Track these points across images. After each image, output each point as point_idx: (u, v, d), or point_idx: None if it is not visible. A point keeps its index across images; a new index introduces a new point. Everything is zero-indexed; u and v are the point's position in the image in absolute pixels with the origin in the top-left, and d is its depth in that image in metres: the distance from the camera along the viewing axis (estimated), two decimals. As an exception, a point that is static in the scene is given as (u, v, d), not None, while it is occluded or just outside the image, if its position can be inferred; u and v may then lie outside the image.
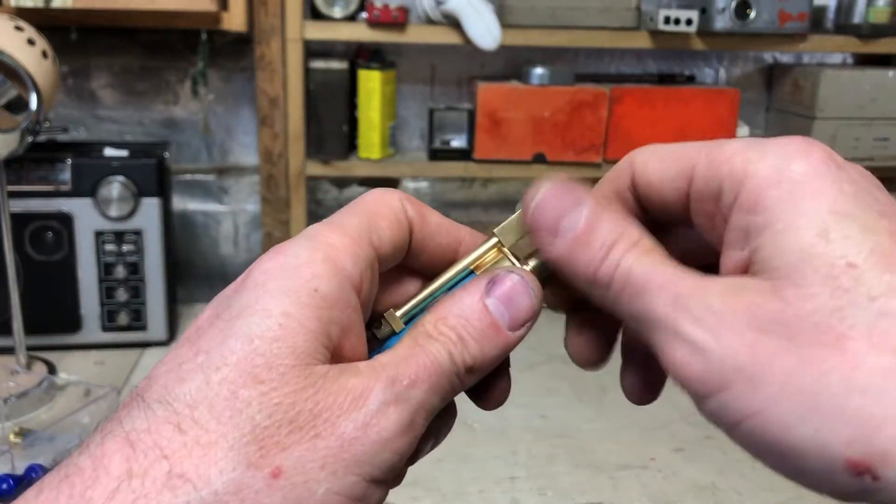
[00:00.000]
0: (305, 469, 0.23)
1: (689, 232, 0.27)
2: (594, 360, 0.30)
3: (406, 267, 0.30)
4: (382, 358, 0.25)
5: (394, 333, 0.28)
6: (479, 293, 0.27)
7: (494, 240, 0.28)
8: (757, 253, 0.22)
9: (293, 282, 0.24)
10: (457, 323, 0.26)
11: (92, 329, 1.08)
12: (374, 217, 0.27)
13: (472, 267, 0.29)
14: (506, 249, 0.28)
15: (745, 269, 0.23)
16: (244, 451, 0.22)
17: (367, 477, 0.24)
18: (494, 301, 0.26)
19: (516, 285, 0.27)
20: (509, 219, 0.28)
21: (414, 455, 0.26)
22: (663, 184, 0.26)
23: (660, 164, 0.26)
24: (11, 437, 0.74)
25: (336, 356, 0.25)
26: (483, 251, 0.29)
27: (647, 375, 0.29)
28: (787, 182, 0.22)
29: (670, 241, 0.27)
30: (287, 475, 0.22)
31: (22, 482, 0.54)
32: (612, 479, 0.82)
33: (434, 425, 0.27)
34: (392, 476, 0.25)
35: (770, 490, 0.81)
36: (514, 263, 0.28)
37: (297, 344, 0.23)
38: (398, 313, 0.28)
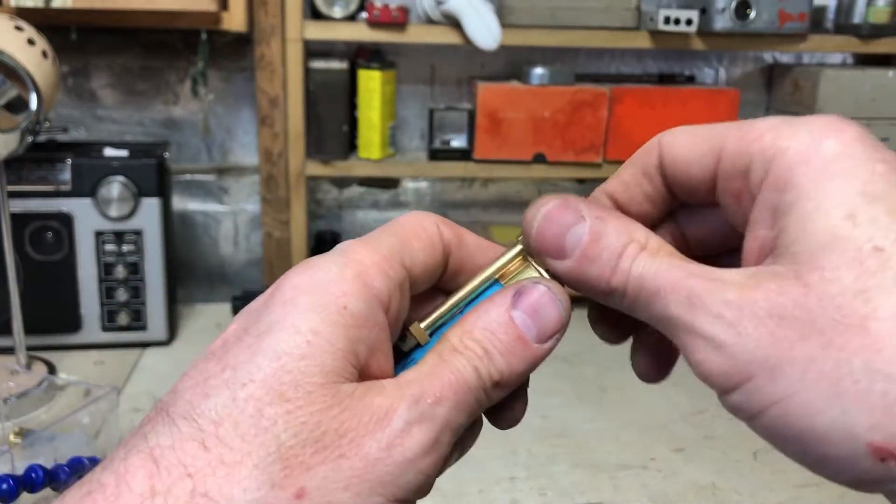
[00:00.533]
0: (329, 490, 0.22)
1: (714, 215, 0.26)
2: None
3: (443, 289, 0.29)
4: (408, 375, 0.25)
5: (419, 346, 0.28)
6: (506, 305, 0.26)
7: (518, 248, 0.28)
8: (783, 234, 0.22)
9: (323, 298, 0.24)
10: (482, 336, 0.26)
11: (92, 329, 1.08)
12: (407, 238, 0.27)
13: (496, 276, 0.28)
14: (530, 258, 0.28)
15: (770, 251, 0.23)
16: (269, 471, 0.22)
17: (392, 497, 0.23)
18: (521, 314, 0.26)
19: (543, 296, 0.26)
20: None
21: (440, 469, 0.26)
22: (691, 162, 0.25)
23: (689, 141, 0.26)
24: (11, 437, 0.74)
25: (363, 375, 0.25)
26: (507, 259, 0.28)
27: (657, 355, 0.29)
28: (819, 159, 0.22)
29: (694, 222, 0.27)
30: (311, 496, 0.22)
31: (22, 482, 0.54)
32: (612, 479, 0.82)
33: (460, 438, 0.26)
34: (417, 496, 0.24)
35: (770, 490, 0.81)
36: (540, 272, 0.27)
37: (325, 362, 0.23)
38: (423, 325, 0.28)
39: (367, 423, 0.23)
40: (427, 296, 0.29)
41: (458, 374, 0.25)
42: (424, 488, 0.24)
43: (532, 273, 0.28)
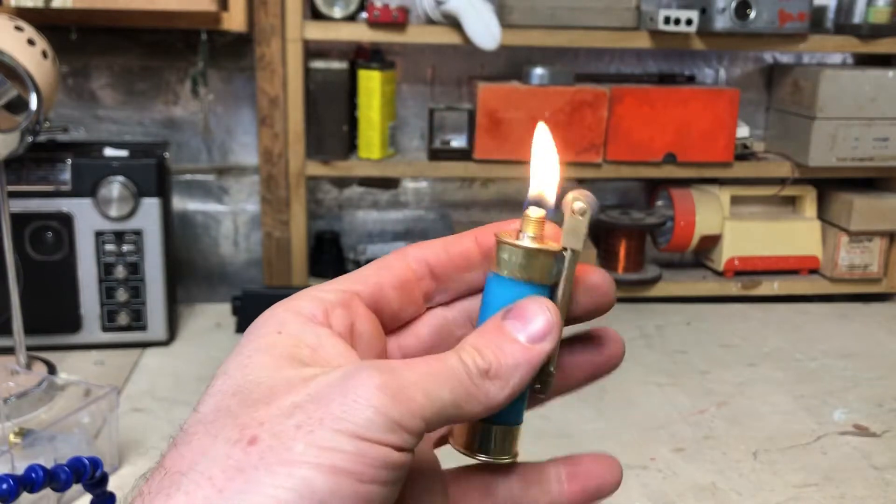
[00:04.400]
0: (279, 430, 0.24)
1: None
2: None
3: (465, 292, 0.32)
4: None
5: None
6: (497, 318, 0.28)
7: (570, 254, 0.29)
8: None
9: (262, 338, 0.28)
10: (473, 339, 0.28)
11: (92, 329, 1.08)
12: (361, 270, 0.31)
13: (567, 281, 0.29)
14: (503, 240, 0.29)
15: None
16: (227, 437, 0.24)
17: (350, 433, 0.24)
18: (509, 320, 0.28)
19: (530, 303, 0.28)
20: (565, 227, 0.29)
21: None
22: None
23: None
24: (11, 437, 0.74)
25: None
26: (569, 270, 0.29)
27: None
28: None
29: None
30: (263, 439, 0.24)
31: (22, 482, 0.54)
32: (612, 479, 0.82)
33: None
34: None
35: (770, 490, 0.81)
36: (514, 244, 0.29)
37: (266, 362, 0.26)
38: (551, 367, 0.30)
39: (317, 375, 0.25)
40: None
41: (440, 358, 0.27)
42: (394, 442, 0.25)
43: (505, 250, 0.29)
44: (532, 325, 0.28)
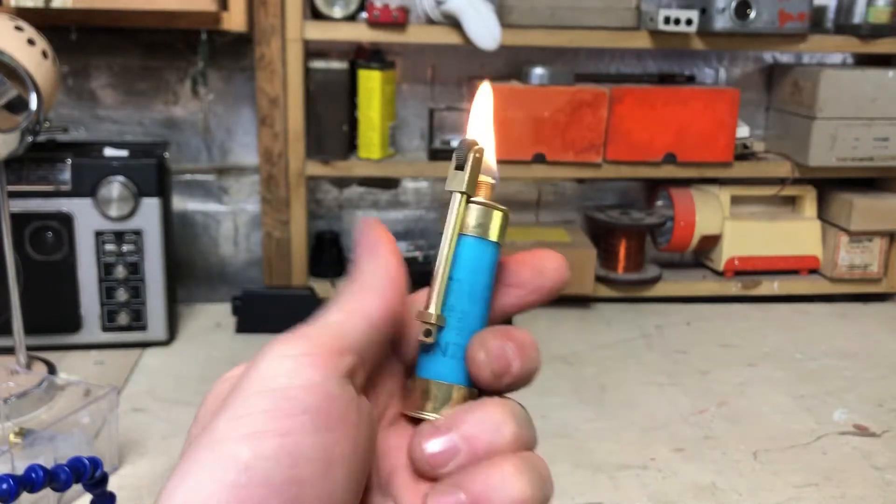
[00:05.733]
0: (211, 424, 0.24)
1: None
2: None
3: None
4: None
5: (440, 329, 0.29)
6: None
7: (458, 196, 0.29)
8: None
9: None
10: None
11: (92, 329, 1.08)
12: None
13: (460, 232, 0.29)
14: (475, 199, 0.29)
15: None
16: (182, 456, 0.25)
17: (265, 390, 0.24)
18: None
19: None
20: (453, 172, 0.29)
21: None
22: None
23: None
24: (11, 437, 0.74)
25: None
26: (458, 212, 0.29)
27: None
28: None
29: None
30: (198, 436, 0.24)
31: (22, 482, 0.54)
32: (612, 479, 0.82)
33: None
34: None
35: (770, 490, 0.81)
36: (485, 203, 0.29)
37: (237, 372, 0.26)
38: (430, 310, 0.29)
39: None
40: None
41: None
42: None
43: (476, 209, 0.29)
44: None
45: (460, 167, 0.29)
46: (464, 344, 0.29)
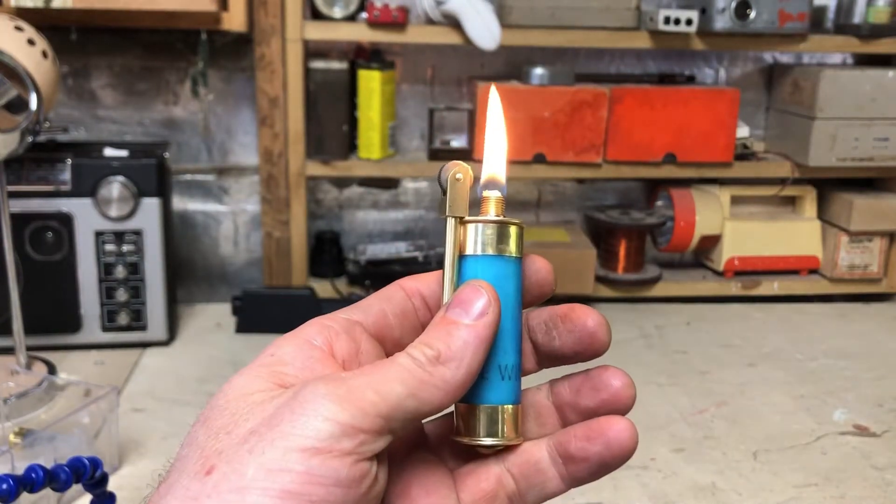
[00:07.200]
0: (233, 458, 0.24)
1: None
2: None
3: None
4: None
5: None
6: (440, 313, 0.29)
7: (452, 221, 0.30)
8: None
9: (256, 359, 0.29)
10: (422, 336, 0.28)
11: (92, 329, 1.08)
12: (374, 297, 0.32)
13: (459, 253, 0.30)
14: (468, 220, 0.30)
15: None
16: (191, 470, 0.25)
17: (299, 448, 0.24)
18: (450, 310, 0.29)
19: (464, 288, 0.29)
20: (448, 197, 0.30)
21: None
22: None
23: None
24: (11, 437, 0.74)
25: None
26: (454, 237, 0.30)
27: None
28: None
29: None
30: (219, 468, 0.24)
31: (22, 482, 0.54)
32: (612, 479, 0.82)
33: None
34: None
35: (770, 490, 0.81)
36: (477, 224, 0.30)
37: (241, 384, 0.27)
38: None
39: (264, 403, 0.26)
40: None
41: (388, 359, 0.27)
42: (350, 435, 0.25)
43: (488, 227, 0.30)
44: (472, 305, 0.28)
45: (445, 192, 0.30)
46: (514, 364, 0.30)
